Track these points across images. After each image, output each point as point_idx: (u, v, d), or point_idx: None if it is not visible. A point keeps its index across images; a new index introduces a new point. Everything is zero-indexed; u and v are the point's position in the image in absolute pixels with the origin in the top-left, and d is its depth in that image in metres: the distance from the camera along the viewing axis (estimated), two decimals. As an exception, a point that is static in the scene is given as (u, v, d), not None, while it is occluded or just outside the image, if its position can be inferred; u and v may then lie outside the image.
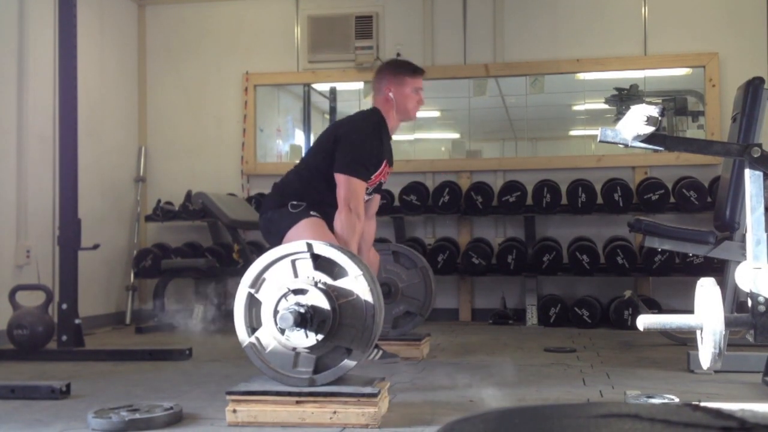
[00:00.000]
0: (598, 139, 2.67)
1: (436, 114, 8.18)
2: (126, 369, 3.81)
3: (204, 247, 6.06)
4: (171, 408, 2.59)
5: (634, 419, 0.74)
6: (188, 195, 5.93)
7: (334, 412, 2.47)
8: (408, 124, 6.90)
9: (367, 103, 6.82)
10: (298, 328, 2.42)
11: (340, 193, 3.38)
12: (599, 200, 5.65)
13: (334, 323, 2.45)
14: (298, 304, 2.42)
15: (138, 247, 6.28)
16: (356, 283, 2.48)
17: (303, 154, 3.83)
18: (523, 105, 6.77)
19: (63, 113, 4.33)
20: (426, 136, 7.58)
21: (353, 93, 6.94)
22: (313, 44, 6.29)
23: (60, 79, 4.36)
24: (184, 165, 6.45)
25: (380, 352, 3.80)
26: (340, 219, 3.34)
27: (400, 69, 3.68)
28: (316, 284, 2.46)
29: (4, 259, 4.82)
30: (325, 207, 3.48)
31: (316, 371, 2.51)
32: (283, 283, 2.50)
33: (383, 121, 3.62)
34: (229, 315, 6.34)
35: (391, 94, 3.61)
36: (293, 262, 2.53)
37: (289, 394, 2.49)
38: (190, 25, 6.54)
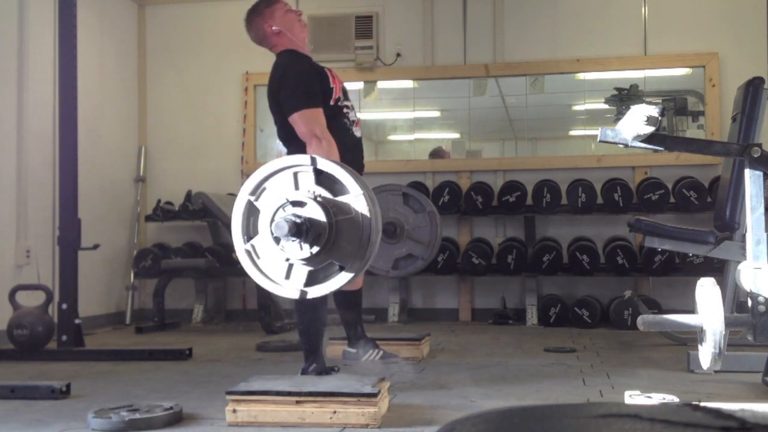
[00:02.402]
0: (598, 139, 2.67)
1: (436, 114, 8.17)
2: (126, 369, 3.81)
3: (204, 247, 6.06)
4: (171, 408, 2.59)
5: (634, 419, 0.74)
6: (188, 195, 5.93)
7: (334, 412, 2.47)
8: (408, 124, 6.92)
9: (367, 103, 6.83)
10: (292, 238, 2.41)
11: (300, 129, 3.29)
12: (599, 200, 5.65)
13: (330, 238, 2.45)
14: (295, 215, 2.42)
15: (138, 247, 6.28)
16: (356, 202, 2.47)
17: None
18: (523, 105, 6.76)
19: (63, 113, 4.33)
20: (426, 136, 7.57)
21: (353, 93, 6.86)
22: (313, 44, 6.28)
23: (60, 79, 4.36)
24: (184, 165, 6.45)
25: (380, 352, 3.80)
26: (312, 152, 3.14)
27: (259, 7, 3.60)
28: (315, 198, 2.46)
29: (4, 259, 4.82)
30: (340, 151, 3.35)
31: (308, 285, 2.50)
32: (282, 193, 2.50)
33: (294, 52, 3.55)
34: (228, 315, 6.34)
35: (274, 27, 3.55)
36: (295, 174, 2.52)
37: (289, 393, 2.49)
38: (190, 25, 6.54)
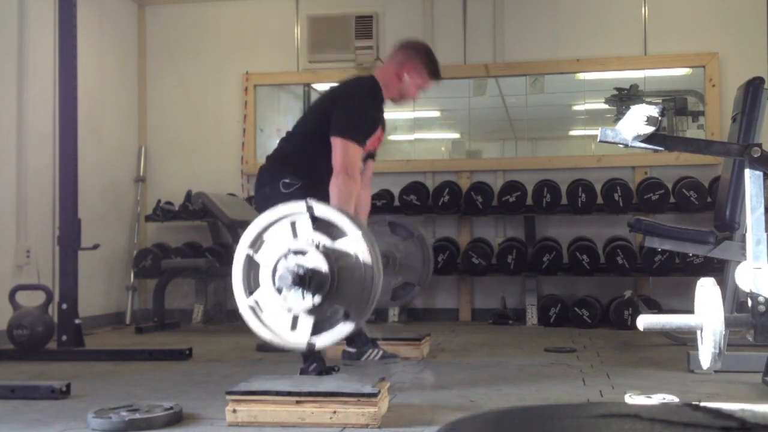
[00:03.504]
0: (598, 139, 2.67)
1: (436, 114, 8.18)
2: (126, 369, 3.81)
3: (204, 247, 6.06)
4: (171, 408, 2.59)
5: (634, 419, 0.74)
6: (188, 195, 5.93)
7: (334, 412, 2.47)
8: (408, 125, 6.91)
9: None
10: (295, 288, 2.40)
11: (337, 157, 3.27)
12: (599, 200, 5.64)
13: (333, 285, 2.43)
14: (298, 265, 2.41)
15: (138, 247, 6.28)
16: (356, 245, 2.46)
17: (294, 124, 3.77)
18: (523, 105, 6.77)
19: (63, 113, 4.33)
20: (426, 136, 7.58)
21: (353, 93, 6.92)
22: (313, 44, 6.28)
23: (60, 79, 4.36)
24: (184, 165, 6.45)
25: (380, 352, 3.80)
26: (336, 184, 3.21)
27: (429, 65, 3.66)
28: (316, 246, 2.45)
29: (4, 259, 4.82)
30: (319, 176, 3.35)
31: (314, 334, 2.49)
32: (282, 243, 2.49)
33: (379, 89, 3.56)
34: (229, 315, 6.33)
35: (406, 76, 3.60)
36: (293, 223, 2.51)
37: (289, 393, 2.49)
38: (190, 25, 6.54)
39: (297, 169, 3.42)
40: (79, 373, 3.66)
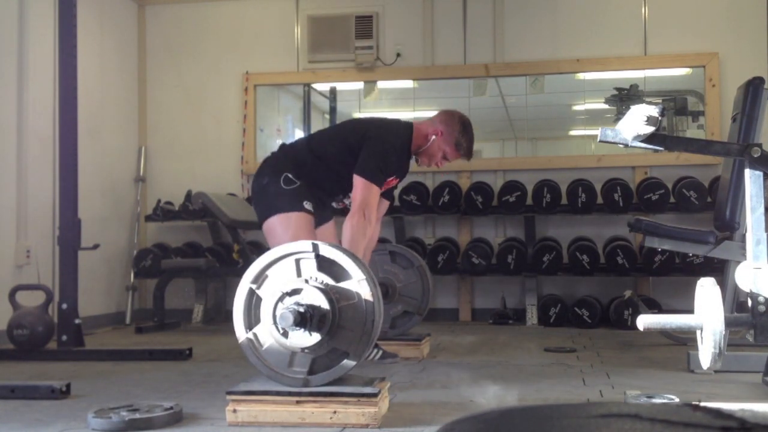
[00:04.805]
0: (598, 139, 2.67)
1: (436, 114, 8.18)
2: (126, 369, 3.81)
3: (204, 247, 6.06)
4: (171, 408, 2.59)
5: (634, 419, 0.74)
6: (188, 195, 5.93)
7: (334, 412, 2.47)
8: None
9: (366, 104, 6.84)
10: (298, 328, 2.42)
11: (357, 196, 3.35)
12: (599, 200, 5.65)
13: (334, 322, 2.45)
14: (297, 304, 2.42)
15: (138, 247, 6.28)
16: (359, 287, 2.48)
17: (316, 131, 3.86)
18: (523, 105, 6.77)
19: (63, 113, 4.33)
20: (426, 136, 7.58)
21: (353, 93, 6.93)
22: (313, 44, 6.28)
23: (60, 79, 4.36)
24: (184, 165, 6.45)
25: (380, 352, 3.80)
26: (351, 223, 3.29)
27: (462, 136, 3.66)
28: (305, 281, 2.46)
29: (4, 259, 4.82)
30: (319, 192, 3.49)
31: (311, 372, 2.51)
32: (285, 280, 2.50)
33: (410, 140, 3.62)
34: (229, 315, 6.33)
35: (433, 137, 3.62)
36: (297, 261, 2.53)
37: (290, 393, 2.49)
38: (190, 25, 6.54)
39: (301, 174, 3.47)
40: (79, 373, 3.66)
